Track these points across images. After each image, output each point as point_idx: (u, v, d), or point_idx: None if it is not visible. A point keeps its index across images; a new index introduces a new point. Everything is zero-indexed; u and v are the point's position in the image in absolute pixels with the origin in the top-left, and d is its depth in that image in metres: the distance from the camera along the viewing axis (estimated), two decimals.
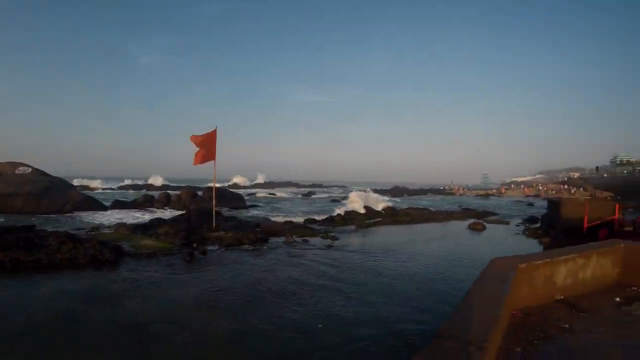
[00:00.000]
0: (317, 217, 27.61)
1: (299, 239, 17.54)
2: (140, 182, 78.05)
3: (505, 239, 20.04)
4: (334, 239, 18.35)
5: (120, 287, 9.98)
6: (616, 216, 17.47)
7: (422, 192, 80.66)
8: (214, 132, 19.17)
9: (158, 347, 6.56)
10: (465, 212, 33.32)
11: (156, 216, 24.08)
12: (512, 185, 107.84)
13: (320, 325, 7.54)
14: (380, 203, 34.73)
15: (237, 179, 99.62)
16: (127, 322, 7.64)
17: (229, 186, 69.78)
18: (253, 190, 74.13)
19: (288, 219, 25.99)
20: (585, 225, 17.26)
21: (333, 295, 9.65)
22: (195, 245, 15.08)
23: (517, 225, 25.81)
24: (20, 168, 36.61)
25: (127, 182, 78.06)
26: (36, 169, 36.19)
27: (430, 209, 34.77)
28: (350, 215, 28.08)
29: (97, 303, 8.77)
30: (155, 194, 41.36)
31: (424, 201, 53.70)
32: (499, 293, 4.14)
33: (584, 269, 6.16)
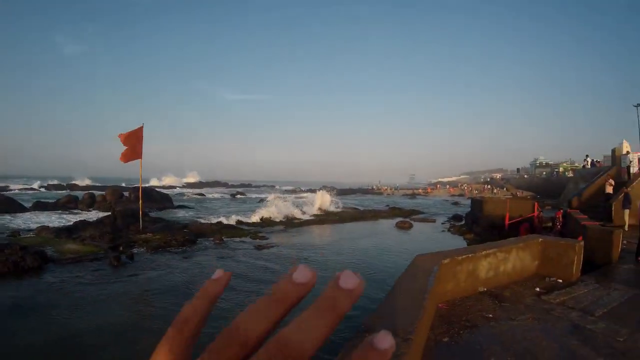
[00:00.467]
0: (246, 218, 27.87)
1: (228, 240, 17.80)
2: (63, 183, 74.65)
3: (431, 236, 21.22)
4: (264, 238, 18.77)
5: (46, 296, 9.88)
6: (535, 213, 19.08)
7: (350, 191, 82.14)
8: (140, 129, 18.82)
9: (91, 357, 6.66)
10: (392, 211, 34.63)
11: (81, 218, 23.44)
12: (438, 185, 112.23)
13: None
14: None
15: (168, 179, 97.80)
16: (57, 334, 7.57)
17: (161, 186, 68.39)
18: (182, 190, 72.81)
19: (217, 219, 26.07)
20: (507, 222, 18.75)
21: (261, 291, 10.10)
22: (122, 248, 15.06)
23: (442, 223, 27.26)
24: None
25: (50, 182, 74.37)
26: None
27: (359, 208, 35.78)
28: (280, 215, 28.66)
29: (23, 315, 8.64)
30: (80, 194, 39.90)
31: (352, 200, 54.80)
32: (423, 287, 4.49)
33: (505, 262, 6.91)
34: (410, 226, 24.82)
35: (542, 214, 20.07)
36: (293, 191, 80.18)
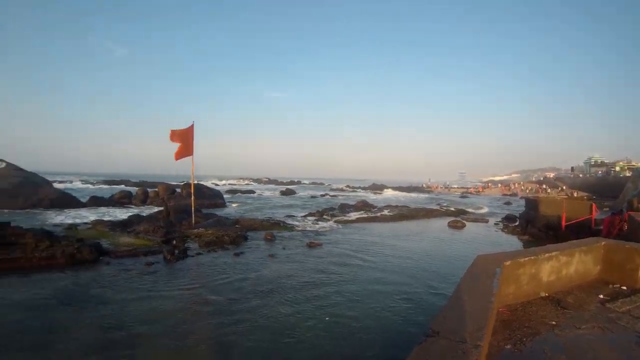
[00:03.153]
0: (297, 214, 28.02)
1: (279, 236, 17.89)
2: (117, 179, 77.72)
3: (485, 237, 20.59)
4: (314, 234, 18.77)
5: (100, 286, 10.14)
6: (593, 215, 18.28)
7: (400, 189, 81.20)
8: (192, 127, 19.44)
9: (143, 350, 6.71)
10: (444, 210, 33.89)
11: (135, 213, 24.20)
12: (489, 184, 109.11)
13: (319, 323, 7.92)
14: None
15: (217, 176, 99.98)
16: (109, 322, 7.79)
17: (212, 182, 69.90)
18: (232, 187, 74.04)
19: (268, 215, 26.32)
20: (564, 223, 18.04)
21: (319, 289, 10.08)
22: (175, 242, 15.37)
23: (495, 224, 26.44)
24: None
25: (102, 178, 77.64)
26: (10, 163, 36.00)
27: (409, 206, 35.28)
28: (328, 212, 28.65)
29: (78, 303, 8.92)
30: (133, 190, 41.30)
31: (403, 198, 54.23)
32: (488, 290, 4.30)
33: (567, 266, 6.55)
34: (463, 226, 24.20)
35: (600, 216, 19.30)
36: (341, 189, 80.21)
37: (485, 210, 38.07)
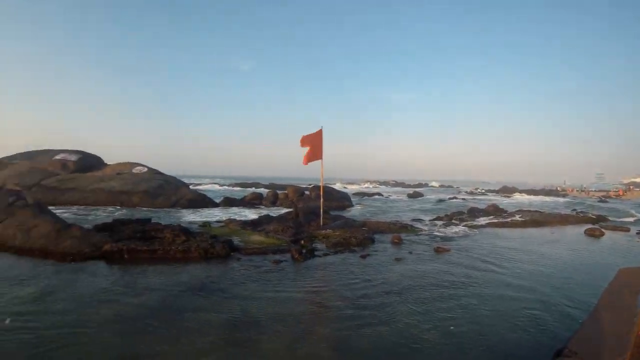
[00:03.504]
0: (424, 217, 27.11)
1: (406, 239, 17.29)
2: (249, 182, 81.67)
3: (627, 248, 18.16)
4: (442, 239, 17.89)
5: (230, 281, 10.50)
6: None
7: (532, 192, 75.76)
8: (320, 131, 19.70)
9: (264, 343, 6.75)
10: (580, 216, 30.76)
11: (265, 213, 24.87)
12: (631, 187, 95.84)
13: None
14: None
15: (344, 179, 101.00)
16: (233, 314, 8.04)
17: (334, 185, 70.63)
18: (359, 189, 74.34)
19: (395, 218, 25.75)
20: None
21: (445, 296, 9.39)
22: (303, 242, 15.42)
23: (638, 233, 23.35)
24: (137, 167, 40.81)
25: (234, 181, 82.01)
26: (151, 168, 40.29)
27: (542, 211, 32.55)
28: (457, 216, 27.34)
29: (208, 294, 9.35)
30: (263, 191, 42.91)
31: (535, 202, 50.53)
32: (631, 308, 3.73)
33: None
34: (602, 234, 21.58)
35: None
36: (470, 192, 77.04)
37: (631, 218, 34.13)
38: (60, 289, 9.56)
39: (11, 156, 45.40)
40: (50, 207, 18.95)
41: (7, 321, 7.37)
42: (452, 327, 7.46)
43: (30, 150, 46.22)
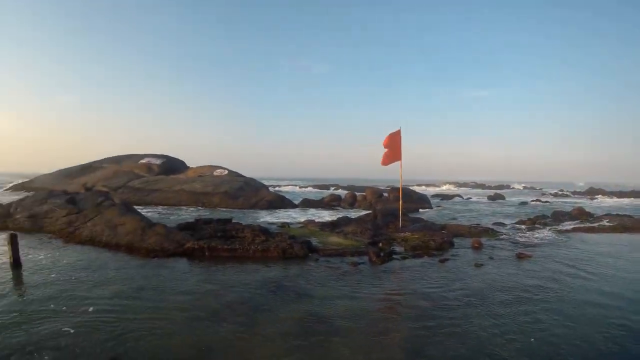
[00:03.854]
0: (506, 221, 25.98)
1: (486, 244, 16.59)
2: (326, 184, 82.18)
3: None
4: (524, 244, 16.98)
5: (307, 281, 10.51)
6: None
7: (622, 195, 69.44)
8: (399, 131, 19.31)
9: (337, 343, 6.68)
10: None
11: (343, 215, 24.82)
12: None
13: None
14: None
15: (422, 180, 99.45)
16: (311, 313, 8.03)
17: (413, 187, 69.54)
18: (438, 191, 72.82)
19: (475, 221, 24.89)
20: None
21: (526, 305, 8.82)
22: (381, 245, 15.19)
23: None
24: (218, 170, 42.59)
25: (314, 183, 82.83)
26: (232, 170, 41.83)
27: (634, 216, 29.86)
28: (540, 220, 25.94)
29: (284, 293, 9.42)
30: (342, 193, 42.99)
31: (625, 206, 46.58)
32: None
33: None
34: None
35: None
36: (555, 194, 72.93)
37: None
38: (143, 282, 10.15)
39: (100, 160, 49.00)
40: (136, 207, 19.92)
41: (91, 309, 7.96)
42: (532, 340, 6.98)
43: (118, 155, 49.51)
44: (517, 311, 8.49)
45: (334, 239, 16.09)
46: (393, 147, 19.24)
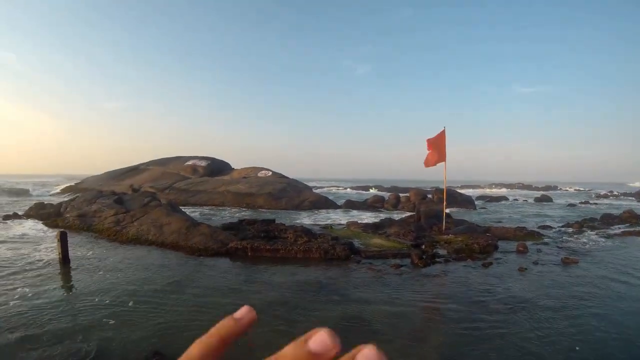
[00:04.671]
0: (552, 224, 25.35)
1: (532, 247, 16.25)
2: (370, 185, 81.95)
3: None
4: (571, 249, 16.50)
5: (348, 283, 10.63)
6: None
7: None
8: (443, 132, 19.08)
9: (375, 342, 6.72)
10: None
11: (386, 216, 24.80)
12: None
13: None
14: None
15: (467, 181, 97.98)
16: (351, 314, 8.17)
17: (458, 188, 68.48)
18: (483, 192, 71.49)
19: (520, 224, 24.37)
20: None
21: (571, 312, 8.65)
22: (424, 247, 15.13)
23: None
24: (262, 171, 43.40)
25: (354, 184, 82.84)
26: (275, 172, 42.42)
27: None
28: (588, 223, 25.13)
29: (325, 294, 9.62)
30: (385, 194, 42.87)
31: None
32: None
33: None
34: None
35: None
36: (605, 196, 70.20)
37: None
38: (186, 278, 10.64)
39: (147, 162, 50.63)
40: (181, 207, 20.50)
41: (130, 303, 8.42)
42: (577, 348, 6.87)
43: (163, 157, 51.06)
44: (561, 317, 8.34)
45: (377, 241, 16.14)
46: (437, 148, 19.09)
